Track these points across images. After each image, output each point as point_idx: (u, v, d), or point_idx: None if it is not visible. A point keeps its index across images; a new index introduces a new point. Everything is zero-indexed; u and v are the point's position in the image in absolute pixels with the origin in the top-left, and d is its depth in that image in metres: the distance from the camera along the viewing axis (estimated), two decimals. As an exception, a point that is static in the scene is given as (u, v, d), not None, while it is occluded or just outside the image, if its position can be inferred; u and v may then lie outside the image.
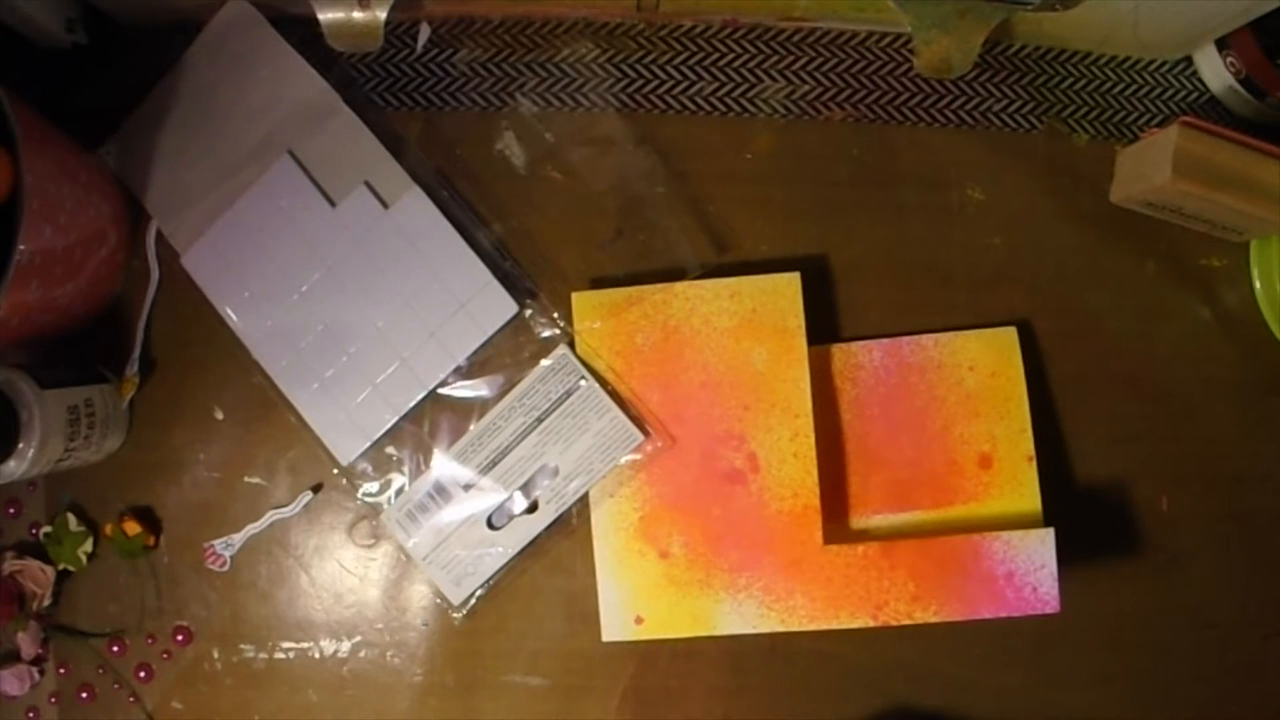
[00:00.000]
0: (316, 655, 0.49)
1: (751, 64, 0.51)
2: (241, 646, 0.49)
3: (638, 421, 0.47)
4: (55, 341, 0.48)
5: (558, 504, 0.47)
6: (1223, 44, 0.50)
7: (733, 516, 0.46)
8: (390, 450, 0.49)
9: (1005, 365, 0.49)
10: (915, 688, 0.49)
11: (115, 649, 0.49)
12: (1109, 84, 0.52)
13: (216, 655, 0.49)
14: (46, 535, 0.49)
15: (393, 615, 0.49)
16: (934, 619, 0.45)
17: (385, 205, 0.48)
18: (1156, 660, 0.50)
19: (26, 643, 0.48)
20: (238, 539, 0.49)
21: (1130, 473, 0.50)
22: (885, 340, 0.49)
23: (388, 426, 0.48)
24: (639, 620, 0.46)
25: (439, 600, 0.49)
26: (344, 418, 0.48)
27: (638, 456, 0.47)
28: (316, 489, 0.50)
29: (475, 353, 0.48)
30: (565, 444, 0.47)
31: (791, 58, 0.51)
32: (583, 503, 0.47)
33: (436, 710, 0.49)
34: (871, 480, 0.49)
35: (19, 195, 0.39)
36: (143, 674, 0.49)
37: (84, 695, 0.49)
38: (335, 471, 0.49)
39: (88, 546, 0.49)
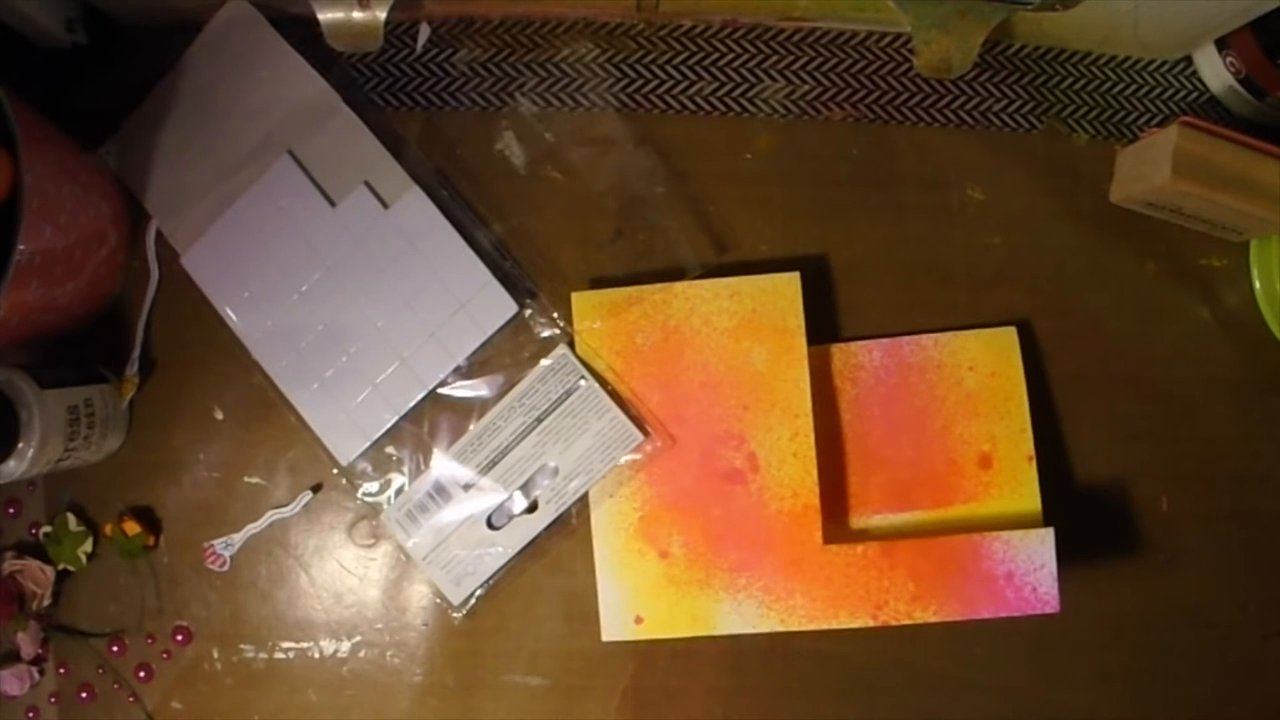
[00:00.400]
0: (316, 655, 0.49)
1: (751, 64, 0.51)
2: (241, 646, 0.49)
3: (638, 421, 0.47)
4: (55, 341, 0.48)
5: (557, 504, 0.47)
6: (1223, 44, 0.50)
7: (733, 516, 0.46)
8: (390, 450, 0.49)
9: (1005, 365, 0.49)
10: (915, 688, 0.49)
11: (115, 649, 0.49)
12: (1109, 84, 0.52)
13: (216, 655, 0.49)
14: (46, 535, 0.49)
15: (393, 615, 0.49)
16: (934, 619, 0.45)
17: (385, 205, 0.48)
18: (1156, 660, 0.50)
19: (26, 643, 0.48)
20: (238, 539, 0.49)
21: (1130, 473, 0.50)
22: (885, 340, 0.49)
23: (388, 426, 0.48)
24: (639, 620, 0.46)
25: (439, 600, 0.49)
26: (344, 418, 0.48)
27: (638, 456, 0.47)
28: (316, 489, 0.50)
29: (475, 353, 0.48)
30: (565, 444, 0.47)
31: (791, 58, 0.51)
32: (583, 503, 0.47)
33: (436, 710, 0.49)
34: (871, 480, 0.49)
35: (19, 195, 0.39)
36: (143, 674, 0.49)
37: (84, 695, 0.49)
38: (335, 471, 0.49)
39: (88, 546, 0.49)
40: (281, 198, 0.48)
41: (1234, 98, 0.51)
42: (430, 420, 0.49)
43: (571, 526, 0.48)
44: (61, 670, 0.49)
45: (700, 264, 0.49)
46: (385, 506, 0.48)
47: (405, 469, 0.49)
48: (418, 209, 0.48)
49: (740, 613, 0.46)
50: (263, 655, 0.49)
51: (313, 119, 0.48)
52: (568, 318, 0.48)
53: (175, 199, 0.49)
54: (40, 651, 0.49)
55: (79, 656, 0.49)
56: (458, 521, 0.47)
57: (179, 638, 0.49)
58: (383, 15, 0.45)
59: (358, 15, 0.45)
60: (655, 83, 0.51)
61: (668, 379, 0.47)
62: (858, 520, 0.49)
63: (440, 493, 0.47)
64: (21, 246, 0.39)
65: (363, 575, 0.50)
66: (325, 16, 0.45)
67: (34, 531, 0.49)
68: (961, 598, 0.45)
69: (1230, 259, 0.51)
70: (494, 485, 0.47)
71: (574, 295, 0.48)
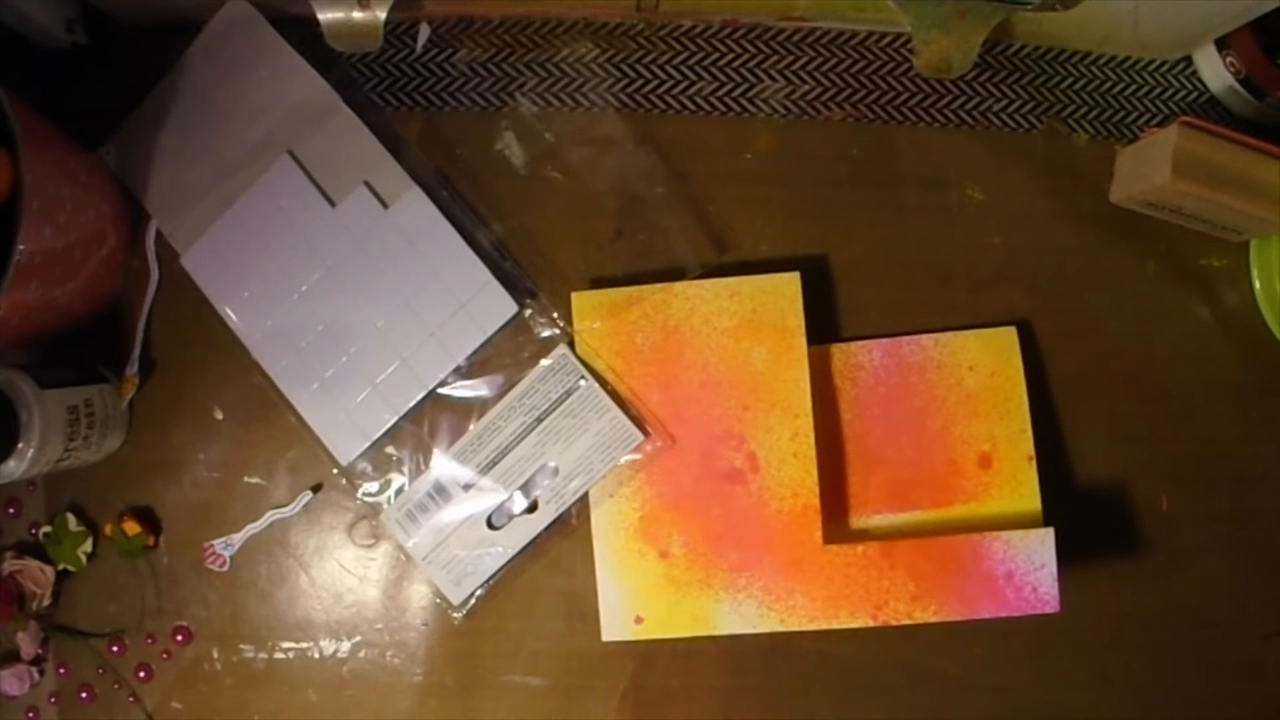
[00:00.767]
0: (316, 655, 0.49)
1: (751, 64, 0.51)
2: (241, 646, 0.49)
3: (638, 421, 0.47)
4: (55, 341, 0.48)
5: (557, 504, 0.47)
6: (1222, 44, 0.50)
7: (733, 516, 0.46)
8: (390, 450, 0.49)
9: (1005, 365, 0.49)
10: (915, 688, 0.49)
11: (115, 649, 0.49)
12: (1109, 84, 0.52)
13: (216, 655, 0.49)
14: (46, 535, 0.49)
15: (393, 615, 0.49)
16: (934, 619, 0.45)
17: (385, 205, 0.48)
18: (1156, 660, 0.50)
19: (26, 643, 0.48)
20: (237, 539, 0.49)
21: (1130, 473, 0.50)
22: (885, 340, 0.49)
23: (388, 426, 0.48)
24: (639, 620, 0.46)
25: (439, 600, 0.49)
26: (344, 418, 0.48)
27: (637, 456, 0.47)
28: (316, 489, 0.50)
29: (475, 353, 0.48)
30: (565, 444, 0.47)
31: (791, 58, 0.51)
32: (582, 503, 0.47)
33: (436, 710, 0.49)
34: (871, 480, 0.49)
35: (19, 195, 0.39)
36: (142, 674, 0.49)
37: (84, 695, 0.49)
38: (335, 471, 0.49)
39: (87, 546, 0.49)
40: (281, 198, 0.48)
41: (1234, 98, 0.51)
42: (430, 420, 0.49)
43: (571, 526, 0.48)
44: (61, 670, 0.49)
45: (700, 264, 0.49)
46: (385, 506, 0.48)
47: (405, 469, 0.49)
48: (418, 209, 0.48)
49: (740, 613, 0.46)
50: (263, 655, 0.49)
51: (313, 119, 0.48)
52: (568, 318, 0.48)
53: (175, 199, 0.49)
54: (40, 651, 0.49)
55: (79, 656, 0.49)
56: (458, 521, 0.47)
57: (179, 638, 0.49)
58: (383, 15, 0.45)
59: (358, 15, 0.45)
60: (655, 83, 0.51)
61: (668, 379, 0.47)
62: (858, 520, 0.49)
63: (440, 493, 0.47)
64: (21, 246, 0.39)
65: (363, 575, 0.50)
66: (325, 16, 0.45)
67: (34, 531, 0.49)
68: (961, 598, 0.45)
69: (1230, 259, 0.51)
70: (494, 485, 0.47)
71: (574, 295, 0.48)
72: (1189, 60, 0.52)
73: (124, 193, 0.49)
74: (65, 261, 0.43)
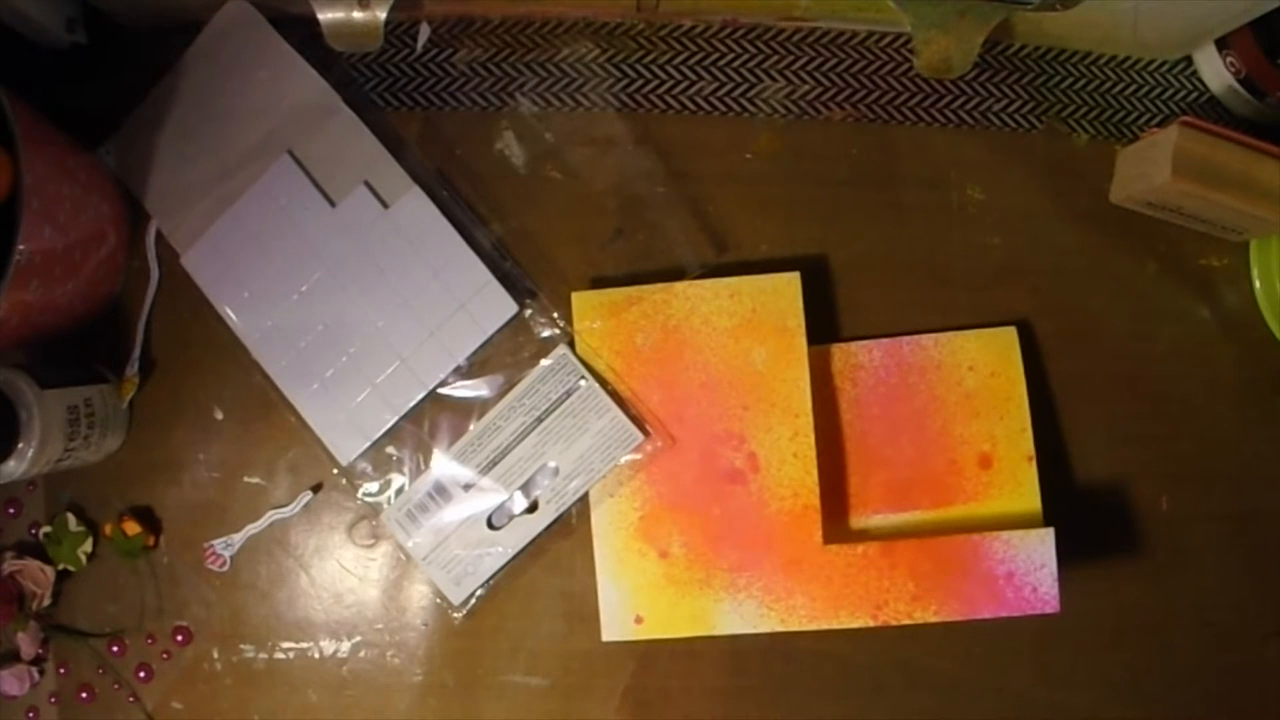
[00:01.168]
0: (316, 655, 0.49)
1: (751, 64, 0.51)
2: (241, 646, 0.49)
3: (638, 421, 0.47)
4: (55, 341, 0.48)
5: (558, 504, 0.47)
6: (1223, 44, 0.50)
7: (733, 516, 0.46)
8: (390, 450, 0.49)
9: (1005, 365, 0.49)
10: (915, 688, 0.49)
11: (115, 649, 0.49)
12: (1109, 84, 0.52)
13: (216, 655, 0.49)
14: (46, 535, 0.49)
15: (393, 615, 0.49)
16: (934, 619, 0.45)
17: (385, 205, 0.48)
18: (1156, 659, 0.50)
19: (26, 643, 0.48)
20: (237, 539, 0.49)
21: (1130, 473, 0.50)
22: (885, 340, 0.49)
23: (388, 426, 0.48)
24: (639, 620, 0.46)
25: (439, 600, 0.49)
26: (344, 418, 0.48)
27: (638, 456, 0.47)
28: (316, 489, 0.50)
29: (475, 353, 0.48)
30: (565, 444, 0.47)
31: (791, 58, 0.51)
32: (583, 503, 0.47)
33: (436, 710, 0.49)
34: (871, 480, 0.49)
35: (19, 195, 0.39)
36: (143, 674, 0.49)
37: (84, 695, 0.49)
38: (335, 471, 0.49)
39: (87, 546, 0.49)
40: (281, 198, 0.48)
41: (1234, 98, 0.51)
42: (430, 420, 0.49)
43: (571, 526, 0.48)
44: (61, 670, 0.49)
45: (700, 264, 0.49)
46: (385, 506, 0.48)
47: (405, 469, 0.49)
48: (418, 209, 0.48)
49: (740, 613, 0.46)
50: (263, 655, 0.49)
51: (313, 119, 0.48)
52: (568, 318, 0.48)
53: (175, 199, 0.49)
54: (40, 651, 0.49)
55: (79, 656, 0.49)
56: (458, 521, 0.47)
57: (179, 638, 0.49)
58: (383, 15, 0.45)
59: (358, 15, 0.45)
60: (655, 83, 0.51)
61: (668, 379, 0.47)
62: (858, 520, 0.49)
63: (440, 493, 0.47)
64: (21, 246, 0.39)
65: (363, 575, 0.50)
66: (325, 16, 0.45)
67: (34, 531, 0.49)
68: (961, 598, 0.45)
69: (1230, 259, 0.51)
70: (494, 485, 0.47)
71: (574, 295, 0.48)
72: (1189, 60, 0.52)
73: (124, 193, 0.49)
74: (65, 261, 0.43)
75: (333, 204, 0.48)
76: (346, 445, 0.48)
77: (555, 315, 0.48)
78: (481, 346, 0.48)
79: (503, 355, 0.49)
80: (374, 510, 0.49)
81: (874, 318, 0.50)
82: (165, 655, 0.49)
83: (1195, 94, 0.52)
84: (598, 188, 0.50)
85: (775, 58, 0.51)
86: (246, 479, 0.50)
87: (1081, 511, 0.50)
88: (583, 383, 0.47)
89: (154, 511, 0.50)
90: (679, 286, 0.47)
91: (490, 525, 0.47)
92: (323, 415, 0.48)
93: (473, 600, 0.48)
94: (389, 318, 0.48)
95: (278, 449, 0.50)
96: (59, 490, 0.49)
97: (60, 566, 0.49)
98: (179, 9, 0.48)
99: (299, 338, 0.48)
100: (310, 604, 0.49)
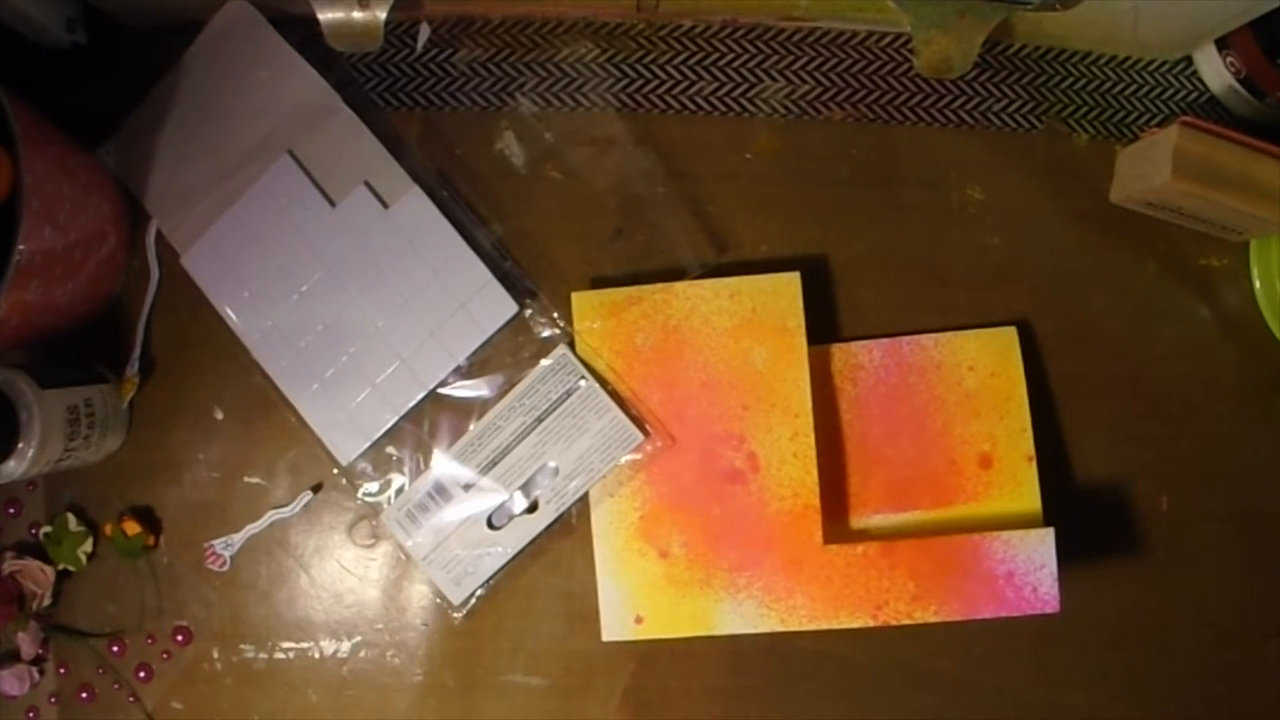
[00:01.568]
0: (316, 655, 0.49)
1: (751, 64, 0.51)
2: (241, 646, 0.49)
3: (638, 421, 0.47)
4: (55, 341, 0.48)
5: (558, 504, 0.47)
6: (1223, 44, 0.50)
7: (733, 516, 0.46)
8: (390, 450, 0.49)
9: (1005, 365, 0.49)
10: (915, 688, 0.49)
11: (115, 649, 0.49)
12: (1109, 84, 0.52)
13: (216, 655, 0.49)
14: (46, 535, 0.49)
15: (393, 615, 0.49)
16: (934, 619, 0.45)
17: (385, 205, 0.48)
18: (1156, 659, 0.50)
19: (26, 643, 0.48)
20: (238, 539, 0.49)
21: (1130, 473, 0.50)
22: (885, 340, 0.49)
23: (388, 426, 0.48)
24: (639, 620, 0.46)
25: (439, 600, 0.49)
26: (344, 418, 0.48)
27: (638, 456, 0.47)
28: (316, 489, 0.50)
29: (475, 353, 0.48)
30: (565, 444, 0.47)
31: (791, 58, 0.51)
32: (583, 503, 0.47)
33: (436, 710, 0.49)
34: (871, 480, 0.49)
35: (19, 195, 0.39)
36: (143, 674, 0.49)
37: (84, 695, 0.49)
38: (335, 471, 0.49)
39: (88, 546, 0.49)
40: (281, 198, 0.48)
41: (1234, 98, 0.51)
42: (430, 420, 0.49)
43: (571, 526, 0.48)
44: (61, 670, 0.49)
45: (700, 264, 0.49)
46: (385, 506, 0.48)
47: (405, 469, 0.49)
48: (418, 209, 0.48)
49: (740, 613, 0.46)
50: (263, 655, 0.49)
51: (313, 119, 0.48)
52: (568, 318, 0.48)
53: (175, 199, 0.49)
54: (40, 651, 0.49)
55: (79, 656, 0.49)
56: (458, 521, 0.47)
57: (179, 638, 0.49)
58: (383, 15, 0.45)
59: (358, 15, 0.45)
60: (655, 83, 0.51)
61: (668, 379, 0.47)
62: (858, 520, 0.49)
63: (440, 493, 0.47)
64: (21, 246, 0.39)
65: (363, 575, 0.50)
66: (325, 16, 0.45)
67: (34, 531, 0.49)
68: (961, 598, 0.45)
69: (1230, 259, 0.51)
70: (494, 485, 0.47)
71: (574, 295, 0.48)
72: (1189, 60, 0.52)
73: (124, 193, 0.49)
74: (65, 261, 0.43)
75: (333, 204, 0.48)
76: (346, 445, 0.48)
77: (555, 315, 0.48)
78: (481, 346, 0.48)
79: (503, 355, 0.49)
80: (374, 510, 0.49)
81: (874, 318, 0.50)
82: (165, 655, 0.49)
83: (1195, 94, 0.52)
84: (598, 188, 0.50)
85: (775, 58, 0.51)
86: (246, 479, 0.50)
87: (1081, 511, 0.50)
88: (583, 383, 0.47)
89: (154, 511, 0.50)
90: (679, 286, 0.47)
91: (490, 525, 0.47)
92: (323, 415, 0.48)
93: (473, 600, 0.48)
94: (389, 318, 0.48)
95: (278, 449, 0.50)
96: (59, 490, 0.49)
97: (60, 566, 0.49)
98: (179, 9, 0.48)
99: (299, 338, 0.48)
100: (310, 604, 0.49)
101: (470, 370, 0.49)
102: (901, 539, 0.46)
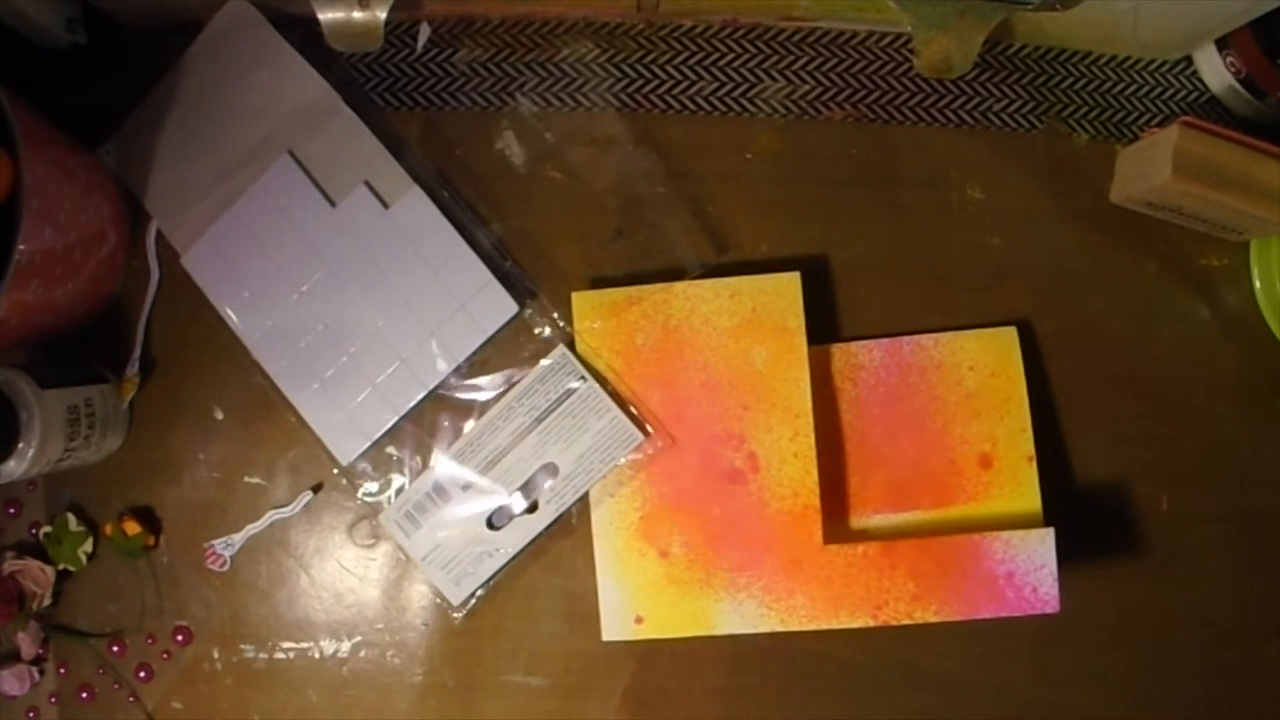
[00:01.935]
0: (316, 655, 0.49)
1: (751, 64, 0.51)
2: (241, 646, 0.49)
3: (638, 421, 0.47)
4: (55, 341, 0.48)
5: (558, 504, 0.47)
6: (1223, 44, 0.50)
7: (733, 516, 0.46)
8: (390, 450, 0.49)
9: (1005, 365, 0.49)
10: (915, 688, 0.49)
11: (115, 649, 0.49)
12: (1109, 84, 0.52)
13: (216, 655, 0.49)
14: (46, 535, 0.49)
15: (393, 615, 0.49)
16: (934, 619, 0.45)
17: (385, 205, 0.48)
18: (1156, 660, 0.50)
19: (26, 643, 0.48)
20: (238, 539, 0.49)
21: (1130, 473, 0.50)
22: (885, 340, 0.49)
23: (388, 426, 0.48)
24: (639, 620, 0.46)
25: (439, 600, 0.49)
26: (344, 418, 0.48)
27: (638, 456, 0.47)
28: (316, 489, 0.50)
29: (475, 353, 0.48)
30: (565, 444, 0.47)
31: (791, 58, 0.51)
32: (583, 503, 0.47)
33: (436, 710, 0.49)
34: (871, 480, 0.49)
35: (19, 195, 0.39)
36: (143, 674, 0.49)
37: (84, 695, 0.49)
38: (335, 471, 0.49)
39: (88, 546, 0.49)
40: (281, 198, 0.48)
41: (1234, 98, 0.51)
42: (430, 420, 0.49)
43: (571, 526, 0.48)
44: (61, 670, 0.49)
45: (700, 264, 0.49)
46: (385, 507, 0.48)
47: (405, 469, 0.49)
48: (418, 209, 0.48)
49: (740, 613, 0.46)
50: (263, 655, 0.49)
51: (313, 119, 0.48)
52: (568, 318, 0.48)
53: (175, 199, 0.49)
54: (40, 651, 0.49)
55: (79, 656, 0.49)
56: (457, 522, 0.47)
57: (179, 638, 0.49)
58: (383, 15, 0.45)
59: (358, 15, 0.45)
60: (655, 83, 0.51)
61: (668, 379, 0.47)
62: (858, 520, 0.49)
63: (440, 493, 0.47)
64: (21, 246, 0.39)
65: (363, 575, 0.50)
66: (325, 16, 0.45)
67: (34, 531, 0.49)
68: (961, 598, 0.45)
69: (1230, 259, 0.51)
70: (494, 485, 0.47)
71: (574, 295, 0.48)
72: (1189, 60, 0.52)
73: (124, 193, 0.49)
74: (65, 261, 0.43)
75: (333, 204, 0.48)
76: (346, 445, 0.48)
77: (555, 315, 0.48)
78: (481, 346, 0.48)
79: (503, 355, 0.49)
80: (374, 510, 0.49)
81: (874, 318, 0.50)
82: (165, 655, 0.49)
83: (1195, 94, 0.52)
84: (598, 188, 0.50)
85: (775, 58, 0.51)
86: (247, 479, 0.50)
87: (1081, 511, 0.50)
88: (583, 383, 0.47)
89: (154, 511, 0.50)
90: (679, 286, 0.47)
91: (490, 525, 0.47)
92: (323, 415, 0.48)
93: (473, 600, 0.48)
94: (389, 318, 0.48)
95: (278, 449, 0.50)
96: (59, 490, 0.49)
97: (60, 566, 0.49)
98: (179, 9, 0.48)
99: (299, 338, 0.48)
100: (310, 604, 0.49)
101: (470, 370, 0.49)
102: (901, 539, 0.46)
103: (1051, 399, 0.50)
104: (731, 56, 0.51)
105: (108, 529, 0.49)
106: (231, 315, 0.49)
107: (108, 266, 0.48)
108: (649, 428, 0.47)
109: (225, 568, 0.49)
